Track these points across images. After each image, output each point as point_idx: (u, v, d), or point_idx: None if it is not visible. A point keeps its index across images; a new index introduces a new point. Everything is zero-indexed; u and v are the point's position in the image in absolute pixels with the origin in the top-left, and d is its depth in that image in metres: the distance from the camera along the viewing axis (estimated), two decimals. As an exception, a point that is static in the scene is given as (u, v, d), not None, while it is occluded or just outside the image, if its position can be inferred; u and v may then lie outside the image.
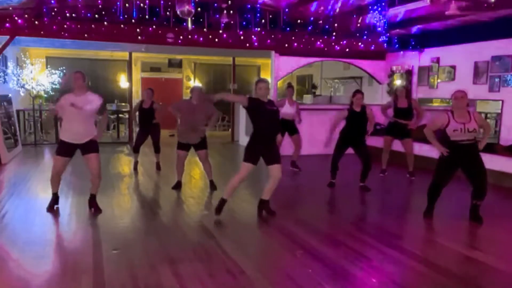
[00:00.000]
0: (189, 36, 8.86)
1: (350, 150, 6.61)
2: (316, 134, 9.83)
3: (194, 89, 6.41)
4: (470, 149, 4.85)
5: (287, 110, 7.65)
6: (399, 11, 8.05)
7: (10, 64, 10.48)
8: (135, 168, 7.76)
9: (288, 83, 8.58)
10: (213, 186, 6.44)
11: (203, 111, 6.14)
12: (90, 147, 4.95)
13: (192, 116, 6.08)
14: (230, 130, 13.40)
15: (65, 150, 4.93)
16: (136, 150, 7.78)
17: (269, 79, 11.18)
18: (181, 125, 6.23)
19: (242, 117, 12.00)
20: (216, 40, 8.94)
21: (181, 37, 8.81)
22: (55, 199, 5.19)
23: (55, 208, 5.15)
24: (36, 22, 7.94)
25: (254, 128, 4.93)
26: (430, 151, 8.15)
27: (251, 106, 4.84)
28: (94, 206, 5.14)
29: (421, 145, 8.05)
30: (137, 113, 7.84)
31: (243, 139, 11.74)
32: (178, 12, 6.96)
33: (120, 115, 12.35)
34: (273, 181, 4.98)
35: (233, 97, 5.97)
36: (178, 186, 6.40)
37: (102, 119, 5.20)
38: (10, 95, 9.99)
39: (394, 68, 10.44)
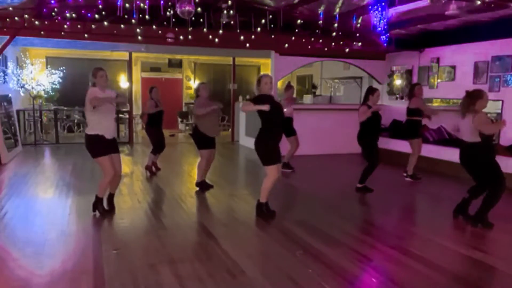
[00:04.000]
0: (189, 36, 8.86)
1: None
2: (316, 134, 9.85)
3: (202, 85, 6.43)
4: None
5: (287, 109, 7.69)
6: (398, 11, 8.04)
7: (10, 64, 10.48)
8: (158, 168, 7.72)
9: (288, 83, 8.56)
10: (208, 186, 6.51)
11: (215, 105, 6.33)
12: (116, 146, 5.07)
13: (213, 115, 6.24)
14: (230, 130, 13.40)
15: (107, 147, 4.89)
16: (162, 149, 7.74)
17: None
18: (209, 120, 6.22)
19: (242, 117, 12.00)
20: (216, 40, 8.94)
21: (181, 37, 8.81)
22: (102, 204, 5.13)
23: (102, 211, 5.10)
24: (36, 22, 7.93)
25: (267, 126, 4.85)
26: (430, 152, 8.18)
27: (270, 105, 4.72)
28: (110, 206, 5.22)
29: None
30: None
31: (243, 139, 11.74)
32: (178, 12, 6.95)
33: (120, 115, 12.34)
34: (271, 181, 4.93)
35: (257, 107, 4.84)
36: (207, 186, 6.45)
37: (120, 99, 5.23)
38: (10, 95, 9.99)
39: (394, 68, 10.44)
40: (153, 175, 7.52)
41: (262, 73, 4.76)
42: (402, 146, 8.47)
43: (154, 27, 8.44)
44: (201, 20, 8.44)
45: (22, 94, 11.18)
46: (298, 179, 7.59)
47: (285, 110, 5.01)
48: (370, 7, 7.95)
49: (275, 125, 4.86)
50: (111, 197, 5.25)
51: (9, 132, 9.13)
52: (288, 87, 8.06)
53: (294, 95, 9.04)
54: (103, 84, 4.88)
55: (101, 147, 4.85)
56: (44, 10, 7.81)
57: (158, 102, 7.54)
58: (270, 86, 4.84)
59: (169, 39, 8.79)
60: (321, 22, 8.48)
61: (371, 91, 6.28)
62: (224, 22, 8.58)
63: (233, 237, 4.54)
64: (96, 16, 8.02)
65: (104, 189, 5.06)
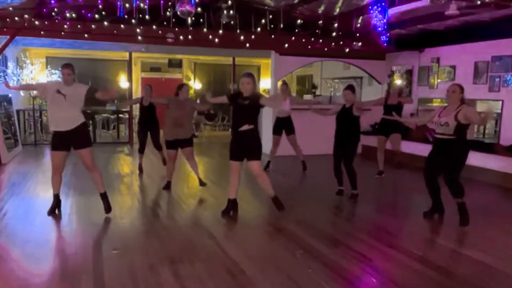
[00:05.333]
0: (189, 36, 8.86)
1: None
2: (316, 134, 9.84)
3: (183, 86, 6.40)
4: (444, 144, 4.83)
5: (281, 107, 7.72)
6: (398, 11, 8.06)
7: (10, 64, 10.48)
8: (141, 170, 7.66)
9: (283, 81, 8.51)
10: (202, 183, 6.57)
11: (189, 106, 6.28)
12: (81, 141, 4.87)
13: (177, 111, 6.16)
14: (230, 130, 13.39)
15: (58, 143, 4.86)
16: (142, 150, 7.66)
17: (269, 79, 11.20)
18: (167, 121, 6.26)
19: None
20: (216, 40, 8.94)
21: (181, 37, 8.81)
22: (56, 202, 5.12)
23: (56, 212, 5.09)
24: (36, 22, 7.93)
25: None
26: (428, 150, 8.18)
27: (231, 102, 5.02)
28: (105, 205, 5.09)
29: (417, 144, 8.08)
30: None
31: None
32: (178, 12, 6.96)
33: (120, 115, 12.36)
34: (230, 175, 5.14)
35: (215, 99, 5.56)
36: (168, 186, 6.44)
37: (103, 94, 4.98)
38: (10, 95, 9.99)
39: (394, 68, 10.43)
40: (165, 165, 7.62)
41: (247, 71, 4.77)
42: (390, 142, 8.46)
43: (154, 27, 8.44)
44: (201, 20, 8.45)
45: (22, 94, 11.18)
46: (298, 179, 7.59)
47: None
48: (370, 7, 7.97)
49: (233, 123, 5.08)
50: (103, 196, 5.13)
51: (9, 132, 9.13)
52: (282, 84, 8.09)
53: (294, 94, 9.03)
54: (64, 79, 4.82)
55: (53, 142, 4.91)
56: (44, 10, 7.82)
57: (145, 99, 7.45)
58: (245, 86, 4.86)
59: (169, 39, 8.80)
60: (321, 22, 8.49)
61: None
62: (224, 22, 8.59)
63: (233, 237, 4.55)
64: (96, 16, 8.03)
65: (52, 184, 5.06)
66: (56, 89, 4.78)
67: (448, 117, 4.76)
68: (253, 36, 8.96)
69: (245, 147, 5.00)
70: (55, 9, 7.82)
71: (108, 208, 5.10)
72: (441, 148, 4.89)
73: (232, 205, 5.23)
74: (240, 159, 5.08)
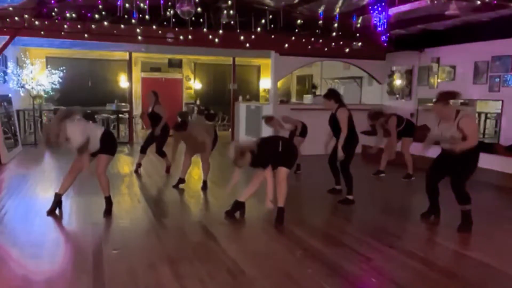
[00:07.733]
0: (189, 36, 8.87)
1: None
2: (316, 134, 9.83)
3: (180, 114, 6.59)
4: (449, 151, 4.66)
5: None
6: (398, 11, 8.05)
7: (10, 64, 10.48)
8: (136, 171, 7.66)
9: (268, 117, 8.09)
10: (205, 186, 6.51)
11: (199, 129, 6.37)
12: (104, 147, 5.03)
13: (190, 140, 6.32)
14: (230, 130, 13.40)
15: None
16: (143, 151, 7.68)
17: (269, 79, 11.20)
18: (187, 150, 6.53)
19: (242, 117, 11.99)
20: (216, 40, 8.94)
21: (181, 37, 8.81)
22: (57, 203, 5.11)
23: (57, 212, 5.08)
24: (36, 22, 7.94)
25: None
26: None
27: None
28: (107, 207, 5.11)
29: (417, 144, 8.07)
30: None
31: (243, 139, 11.74)
32: (178, 12, 6.96)
33: (120, 115, 12.34)
34: (277, 183, 4.99)
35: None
36: (181, 182, 6.50)
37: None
38: (10, 95, 9.99)
39: (394, 68, 10.43)
40: (136, 172, 7.63)
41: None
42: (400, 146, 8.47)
43: (154, 27, 8.45)
44: (201, 20, 8.45)
45: (22, 94, 11.17)
46: (298, 179, 7.59)
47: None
48: (370, 7, 7.96)
49: None
50: (107, 200, 5.16)
51: (9, 132, 9.12)
52: (267, 121, 7.94)
53: (294, 97, 9.02)
54: None
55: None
56: (44, 10, 7.82)
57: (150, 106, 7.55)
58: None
59: (169, 39, 8.80)
60: (321, 22, 8.49)
61: None
62: (224, 22, 8.59)
63: (233, 237, 4.55)
64: (96, 16, 8.03)
65: (62, 184, 5.18)
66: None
67: (451, 130, 4.57)
68: (253, 36, 8.96)
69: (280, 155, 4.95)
70: (55, 9, 7.82)
71: (108, 211, 5.07)
72: (451, 152, 4.64)
73: (240, 207, 5.12)
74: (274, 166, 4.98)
